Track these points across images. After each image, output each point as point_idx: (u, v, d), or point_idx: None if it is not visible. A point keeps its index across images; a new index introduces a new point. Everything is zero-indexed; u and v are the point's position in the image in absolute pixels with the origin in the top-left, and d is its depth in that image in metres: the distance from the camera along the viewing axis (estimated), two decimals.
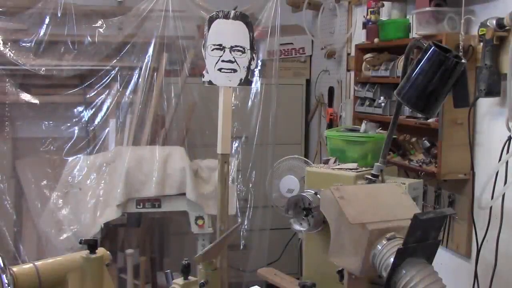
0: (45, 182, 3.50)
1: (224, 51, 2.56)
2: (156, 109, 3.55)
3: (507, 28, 2.11)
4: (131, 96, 3.58)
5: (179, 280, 1.57)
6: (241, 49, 2.61)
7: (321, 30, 3.91)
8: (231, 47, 2.57)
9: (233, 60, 2.58)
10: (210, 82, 2.57)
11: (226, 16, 2.56)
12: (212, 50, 2.51)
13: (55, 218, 3.22)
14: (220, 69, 2.53)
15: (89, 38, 3.51)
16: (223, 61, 2.54)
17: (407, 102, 1.69)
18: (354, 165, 2.18)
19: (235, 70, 2.57)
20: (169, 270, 1.68)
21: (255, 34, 3.48)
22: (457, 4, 2.37)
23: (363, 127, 2.35)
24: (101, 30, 3.52)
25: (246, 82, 2.63)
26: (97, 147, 3.53)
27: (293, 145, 4.17)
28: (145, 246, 3.69)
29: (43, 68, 3.46)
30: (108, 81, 3.57)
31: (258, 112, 3.63)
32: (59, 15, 3.42)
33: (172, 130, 3.56)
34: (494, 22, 2.13)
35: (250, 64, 2.63)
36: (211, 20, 2.54)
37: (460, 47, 2.29)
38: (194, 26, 3.71)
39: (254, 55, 2.65)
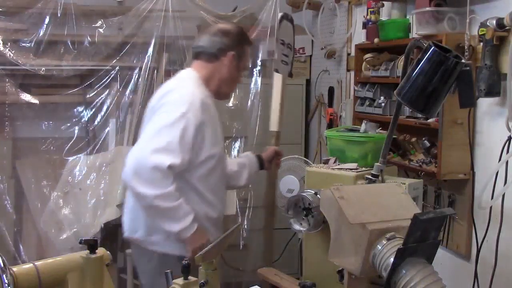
0: (45, 182, 3.50)
1: (284, 46, 2.83)
2: None
3: (507, 28, 2.11)
4: (131, 96, 3.58)
5: (179, 280, 1.57)
6: (290, 46, 2.88)
7: (321, 30, 3.91)
8: (288, 43, 2.84)
9: (287, 55, 2.85)
10: (276, 70, 2.81)
11: (287, 17, 2.85)
12: (279, 43, 2.78)
13: (55, 218, 3.22)
14: (282, 61, 2.81)
15: (89, 38, 3.51)
16: (283, 54, 2.80)
17: (407, 102, 1.69)
18: (354, 165, 2.18)
19: (287, 63, 2.85)
20: (169, 270, 1.67)
21: (254, 34, 3.52)
22: (457, 4, 2.38)
23: (363, 127, 2.35)
24: (101, 30, 3.53)
25: (290, 75, 2.95)
26: (97, 147, 3.54)
27: (293, 145, 4.17)
28: None
29: (43, 68, 3.46)
30: (108, 81, 3.58)
31: (257, 112, 3.63)
32: (59, 15, 3.43)
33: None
34: (494, 22, 2.13)
35: (292, 60, 2.95)
36: (281, 19, 2.81)
37: (466, 47, 2.28)
38: (194, 26, 3.71)
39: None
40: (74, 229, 3.18)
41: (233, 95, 3.45)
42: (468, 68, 1.64)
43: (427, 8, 2.43)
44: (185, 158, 2.05)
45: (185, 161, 2.06)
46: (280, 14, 2.77)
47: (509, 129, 2.12)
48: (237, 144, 3.72)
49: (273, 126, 2.78)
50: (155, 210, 2.05)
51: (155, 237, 2.17)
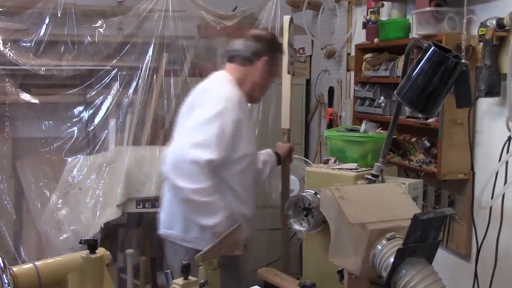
0: (45, 182, 3.50)
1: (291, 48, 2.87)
2: (156, 109, 3.56)
3: (507, 28, 2.11)
4: (131, 96, 3.58)
5: (179, 280, 1.57)
6: (292, 45, 2.90)
7: (321, 30, 3.91)
8: (291, 44, 2.86)
9: (293, 55, 2.92)
10: (289, 73, 2.84)
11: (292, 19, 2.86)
12: (290, 47, 2.82)
13: (55, 218, 3.22)
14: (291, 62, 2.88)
15: (89, 38, 3.51)
16: (291, 56, 2.86)
17: (407, 102, 1.69)
18: (354, 165, 2.18)
19: (292, 63, 2.90)
20: (169, 270, 1.67)
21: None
22: (457, 4, 2.38)
23: (363, 127, 2.35)
24: (101, 30, 3.53)
25: (293, 73, 2.97)
26: (97, 147, 3.54)
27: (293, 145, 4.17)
28: (145, 246, 3.69)
29: (43, 68, 3.46)
30: (108, 81, 3.58)
31: (258, 112, 3.63)
32: (59, 15, 3.43)
33: (172, 130, 3.56)
34: (494, 22, 2.13)
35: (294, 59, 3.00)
36: (290, 22, 2.83)
37: (463, 47, 2.29)
38: (194, 26, 3.71)
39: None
40: (74, 229, 3.17)
41: None
42: (465, 68, 1.64)
43: (427, 8, 2.43)
44: (222, 154, 2.11)
45: (222, 157, 2.12)
46: (288, 17, 2.76)
47: (509, 129, 2.12)
48: None
49: (285, 124, 2.86)
50: (191, 203, 2.11)
51: (191, 234, 2.23)
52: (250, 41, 2.33)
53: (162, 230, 2.35)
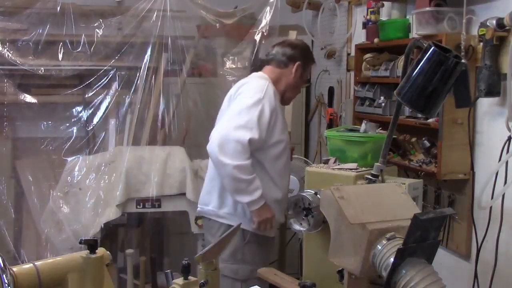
0: (45, 182, 3.50)
1: None
2: (156, 109, 3.55)
3: (507, 28, 2.11)
4: (130, 96, 3.58)
5: (179, 280, 1.57)
6: None
7: (321, 30, 3.91)
8: None
9: None
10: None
11: None
12: None
13: (55, 218, 3.22)
14: None
15: (88, 38, 3.50)
16: None
17: (407, 102, 1.69)
18: (354, 165, 2.18)
19: None
20: (169, 270, 1.67)
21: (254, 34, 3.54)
22: (457, 4, 2.37)
23: (363, 127, 2.35)
24: (100, 30, 3.52)
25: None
26: (96, 147, 3.53)
27: (293, 145, 4.17)
28: (145, 246, 3.69)
29: (42, 68, 3.46)
30: (107, 81, 3.57)
31: None
32: (57, 15, 3.42)
33: (172, 130, 3.56)
34: (494, 22, 2.13)
35: None
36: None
37: (462, 47, 2.29)
38: (194, 26, 3.70)
39: None
40: (74, 229, 3.17)
41: None
42: (464, 68, 1.64)
43: (427, 8, 2.42)
44: (262, 136, 2.37)
45: (262, 139, 2.37)
46: (294, 32, 3.00)
47: (509, 129, 2.12)
48: None
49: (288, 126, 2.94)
50: (232, 179, 2.34)
51: (224, 210, 2.48)
52: (286, 47, 2.59)
53: (199, 207, 2.61)
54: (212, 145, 2.36)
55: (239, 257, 2.44)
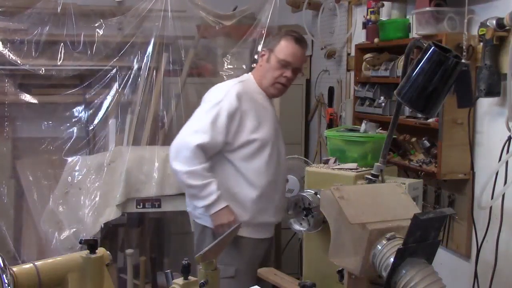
0: (45, 182, 3.50)
1: None
2: (156, 109, 3.55)
3: (507, 28, 2.11)
4: (130, 96, 3.58)
5: (179, 280, 1.57)
6: None
7: (321, 30, 3.91)
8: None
9: None
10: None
11: None
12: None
13: (55, 218, 3.22)
14: None
15: (88, 38, 3.50)
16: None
17: (407, 102, 1.69)
18: (354, 165, 2.18)
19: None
20: (169, 270, 1.67)
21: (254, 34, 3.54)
22: (457, 4, 2.38)
23: (363, 127, 2.35)
24: (100, 30, 3.52)
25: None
26: (96, 147, 3.53)
27: (293, 145, 4.17)
28: (145, 246, 3.69)
29: (43, 68, 3.46)
30: (107, 81, 3.57)
31: None
32: (58, 15, 3.42)
33: (172, 130, 3.56)
34: (494, 22, 2.13)
35: None
36: None
37: (464, 47, 2.29)
38: (194, 26, 3.71)
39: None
40: (74, 229, 3.17)
41: None
42: (466, 68, 1.64)
43: (427, 8, 2.42)
44: (217, 139, 2.36)
45: (218, 142, 2.37)
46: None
47: (509, 129, 2.12)
48: None
49: None
50: (185, 185, 2.40)
51: (198, 211, 2.49)
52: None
53: (187, 209, 2.65)
54: (170, 152, 2.41)
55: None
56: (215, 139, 2.35)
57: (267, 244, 2.59)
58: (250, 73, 2.62)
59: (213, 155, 2.41)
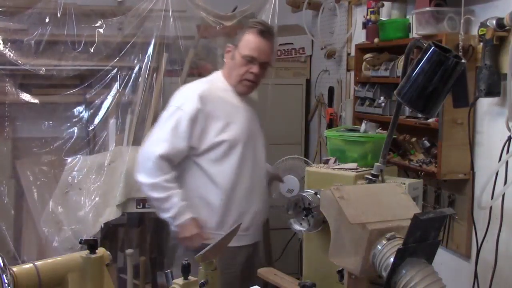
0: (45, 182, 3.50)
1: None
2: (156, 109, 3.55)
3: (507, 28, 2.11)
4: (131, 96, 3.58)
5: (179, 280, 1.57)
6: None
7: (321, 30, 3.91)
8: None
9: None
10: None
11: None
12: None
13: (55, 218, 3.22)
14: None
15: (89, 38, 3.51)
16: None
17: (407, 102, 1.69)
18: (354, 165, 2.18)
19: None
20: (169, 270, 1.67)
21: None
22: (457, 4, 2.37)
23: (363, 127, 2.35)
24: (101, 30, 3.52)
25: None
26: (97, 147, 3.53)
27: (293, 145, 4.17)
28: (145, 246, 3.69)
29: (43, 68, 3.46)
30: (108, 81, 3.57)
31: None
32: (59, 15, 3.42)
33: None
34: (494, 22, 2.13)
35: None
36: None
37: (460, 47, 2.29)
38: (194, 26, 3.71)
39: None
40: (74, 229, 3.17)
41: None
42: (462, 68, 1.64)
43: (427, 8, 2.42)
44: (179, 146, 2.28)
45: (181, 148, 2.29)
46: None
47: (509, 129, 2.12)
48: None
49: None
50: (148, 197, 2.38)
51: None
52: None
53: None
54: (136, 163, 2.36)
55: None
56: (177, 147, 2.28)
57: (248, 250, 2.46)
58: (219, 71, 2.50)
59: (181, 160, 2.34)
